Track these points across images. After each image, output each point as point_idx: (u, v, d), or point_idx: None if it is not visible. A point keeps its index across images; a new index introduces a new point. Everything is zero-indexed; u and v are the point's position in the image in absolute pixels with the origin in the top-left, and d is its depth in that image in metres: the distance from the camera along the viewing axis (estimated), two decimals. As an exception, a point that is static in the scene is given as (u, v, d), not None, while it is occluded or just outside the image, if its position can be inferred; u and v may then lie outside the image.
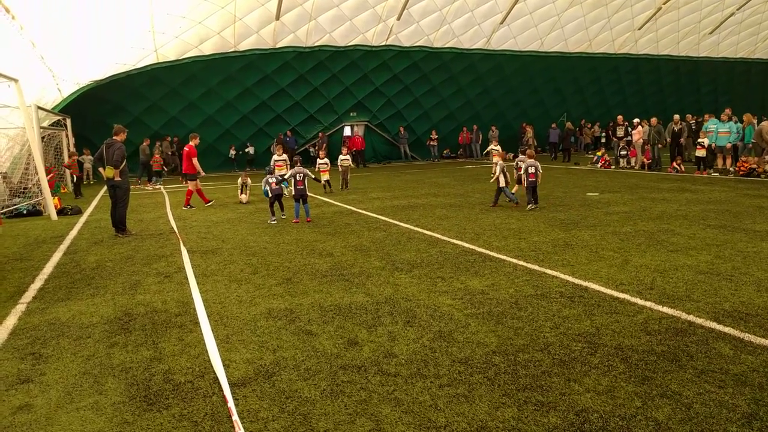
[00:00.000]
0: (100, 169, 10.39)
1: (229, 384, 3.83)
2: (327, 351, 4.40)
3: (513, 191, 12.04)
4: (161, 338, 4.83)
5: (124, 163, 10.02)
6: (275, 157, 14.74)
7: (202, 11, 21.52)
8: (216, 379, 3.95)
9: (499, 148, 16.75)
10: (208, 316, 5.31)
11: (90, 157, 21.29)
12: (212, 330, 4.93)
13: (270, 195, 11.36)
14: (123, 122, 19.63)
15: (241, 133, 26.38)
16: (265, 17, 22.86)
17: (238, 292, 6.14)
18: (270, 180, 11.45)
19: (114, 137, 10.09)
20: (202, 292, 6.17)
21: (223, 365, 4.15)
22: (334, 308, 5.44)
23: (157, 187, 20.30)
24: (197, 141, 14.09)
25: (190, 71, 23.45)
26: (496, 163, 12.46)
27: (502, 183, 11.74)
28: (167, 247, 8.97)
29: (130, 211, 10.59)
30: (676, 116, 19.24)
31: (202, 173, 13.95)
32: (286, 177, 11.60)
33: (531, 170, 11.28)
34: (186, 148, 13.84)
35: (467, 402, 3.50)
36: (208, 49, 23.11)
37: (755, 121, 17.21)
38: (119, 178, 10.01)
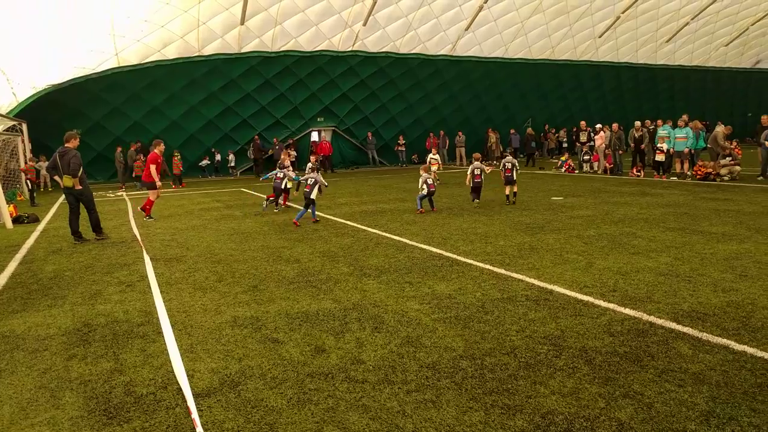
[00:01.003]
0: (56, 178, 10.03)
1: (192, 395, 3.74)
2: (294, 359, 4.34)
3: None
4: (122, 349, 4.69)
5: (81, 171, 9.79)
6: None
7: (164, 15, 21.17)
8: (179, 389, 3.85)
9: (438, 157, 17.01)
10: (172, 326, 5.19)
11: (45, 164, 20.73)
12: (176, 339, 4.81)
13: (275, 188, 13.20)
14: (83, 127, 19.21)
15: (206, 138, 26.02)
16: (229, 22, 22.63)
17: (203, 301, 6.02)
18: (278, 174, 13.29)
19: (66, 145, 9.83)
20: (166, 301, 6.03)
21: (187, 375, 4.05)
22: (301, 315, 5.39)
23: (119, 194, 19.81)
24: (162, 148, 13.03)
25: (153, 76, 23.02)
26: (434, 172, 13.47)
27: (425, 191, 12.02)
28: (129, 255, 8.75)
29: (83, 219, 10.30)
30: (638, 123, 19.77)
31: (159, 184, 12.84)
32: (303, 179, 11.66)
33: (477, 172, 11.86)
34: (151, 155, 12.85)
35: (435, 407, 3.50)
36: (171, 53, 22.74)
37: (702, 127, 17.92)
38: (80, 187, 9.78)
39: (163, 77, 23.23)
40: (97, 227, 10.25)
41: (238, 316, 5.45)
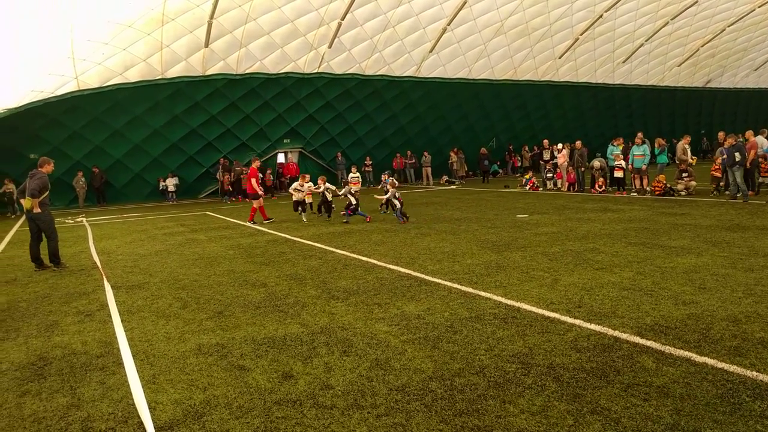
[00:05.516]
0: (22, 201, 9.98)
1: (155, 428, 3.62)
2: (260, 386, 4.25)
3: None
4: (80, 383, 4.51)
5: (44, 195, 9.60)
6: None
7: (126, 38, 20.93)
8: (140, 423, 3.72)
9: (358, 175, 17.49)
10: (133, 356, 5.03)
11: (12, 186, 20.68)
12: (137, 370, 4.66)
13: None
14: (41, 152, 18.65)
15: (170, 161, 25.61)
16: (193, 44, 22.50)
17: (167, 329, 5.86)
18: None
19: (39, 168, 9.82)
20: (127, 330, 5.85)
21: (149, 408, 3.92)
22: (268, 341, 5.29)
23: (78, 220, 19.26)
24: (258, 163, 16.35)
25: (115, 99, 22.64)
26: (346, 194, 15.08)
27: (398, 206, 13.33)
28: (89, 283, 8.48)
29: (44, 246, 9.99)
30: (578, 142, 20.45)
31: (261, 193, 15.77)
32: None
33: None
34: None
35: (405, 431, 3.45)
36: (133, 76, 22.43)
37: (666, 143, 18.53)
38: (38, 210, 9.51)
39: (125, 100, 22.87)
40: (54, 257, 9.82)
41: (203, 343, 5.31)
